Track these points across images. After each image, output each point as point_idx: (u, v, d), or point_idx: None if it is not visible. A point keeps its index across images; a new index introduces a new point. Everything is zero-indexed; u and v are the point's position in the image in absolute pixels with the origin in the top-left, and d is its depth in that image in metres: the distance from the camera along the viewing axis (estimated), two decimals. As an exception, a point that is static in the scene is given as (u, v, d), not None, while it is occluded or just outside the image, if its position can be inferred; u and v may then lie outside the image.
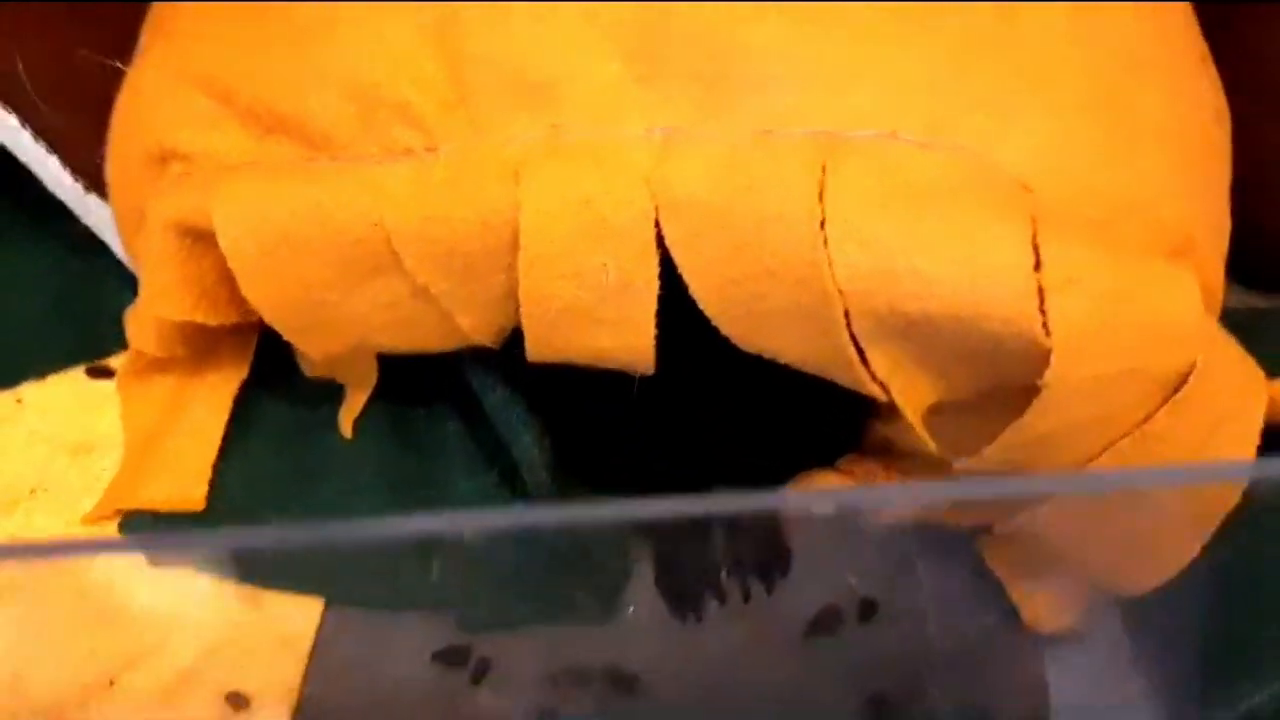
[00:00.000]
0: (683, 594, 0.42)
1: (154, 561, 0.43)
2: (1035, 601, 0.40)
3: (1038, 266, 0.30)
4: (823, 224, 0.30)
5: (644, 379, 0.37)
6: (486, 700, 0.40)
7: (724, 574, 0.42)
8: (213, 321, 0.38)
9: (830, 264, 0.30)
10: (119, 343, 0.44)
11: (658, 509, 0.32)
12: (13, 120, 0.41)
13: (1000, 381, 0.33)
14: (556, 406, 0.40)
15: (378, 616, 0.42)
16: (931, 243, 0.30)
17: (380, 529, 0.29)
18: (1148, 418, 0.32)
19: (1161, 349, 0.31)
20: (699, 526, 0.43)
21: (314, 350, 0.38)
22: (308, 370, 0.44)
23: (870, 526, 0.43)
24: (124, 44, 0.39)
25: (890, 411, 0.39)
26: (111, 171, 0.38)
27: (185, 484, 0.43)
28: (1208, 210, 0.34)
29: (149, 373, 0.43)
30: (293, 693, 0.40)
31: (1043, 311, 0.30)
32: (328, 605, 0.42)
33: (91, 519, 0.43)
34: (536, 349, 0.35)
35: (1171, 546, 0.35)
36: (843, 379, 0.34)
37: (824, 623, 0.41)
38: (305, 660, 0.41)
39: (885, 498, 0.36)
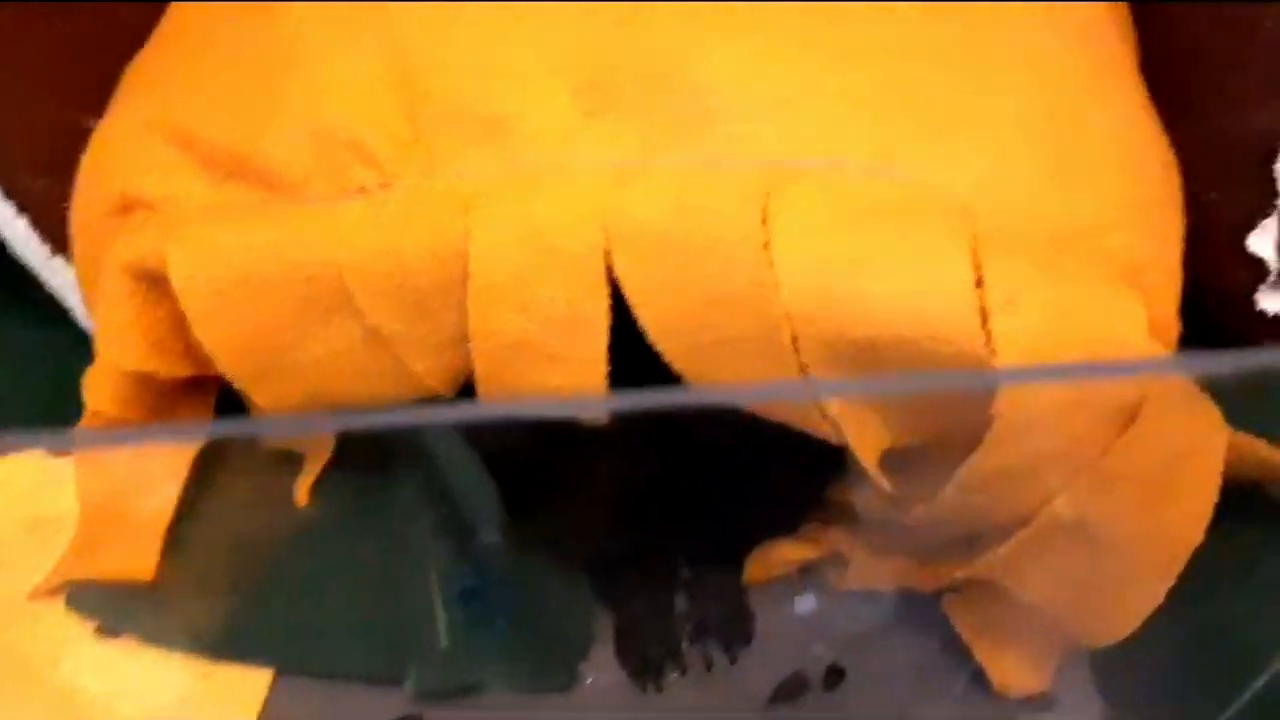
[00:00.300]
0: (643, 663, 0.41)
1: (102, 634, 0.42)
2: (1003, 664, 0.39)
3: (980, 287, 0.30)
4: (768, 247, 0.30)
5: (605, 435, 0.37)
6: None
7: (685, 642, 0.41)
8: (165, 373, 0.38)
9: (776, 286, 0.30)
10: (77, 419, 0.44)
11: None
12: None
13: (953, 421, 0.33)
14: (511, 462, 0.40)
15: (328, 687, 0.40)
16: (875, 264, 0.30)
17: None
18: (1104, 453, 0.32)
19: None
20: (660, 593, 0.42)
21: (268, 401, 0.37)
22: (266, 442, 0.44)
23: (838, 592, 0.42)
24: (99, 105, 0.39)
25: (851, 474, 0.39)
26: (75, 223, 0.39)
27: (136, 555, 0.42)
28: (1155, 247, 0.34)
29: (105, 440, 0.43)
30: (236, 764, 0.38)
31: (988, 335, 0.30)
32: (277, 675, 0.40)
33: (41, 592, 0.42)
34: (488, 391, 0.35)
35: (1135, 593, 0.34)
36: (795, 418, 0.34)
37: (789, 691, 0.40)
38: (252, 727, 0.39)
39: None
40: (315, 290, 0.34)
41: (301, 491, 0.43)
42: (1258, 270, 0.46)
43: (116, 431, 0.37)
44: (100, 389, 0.40)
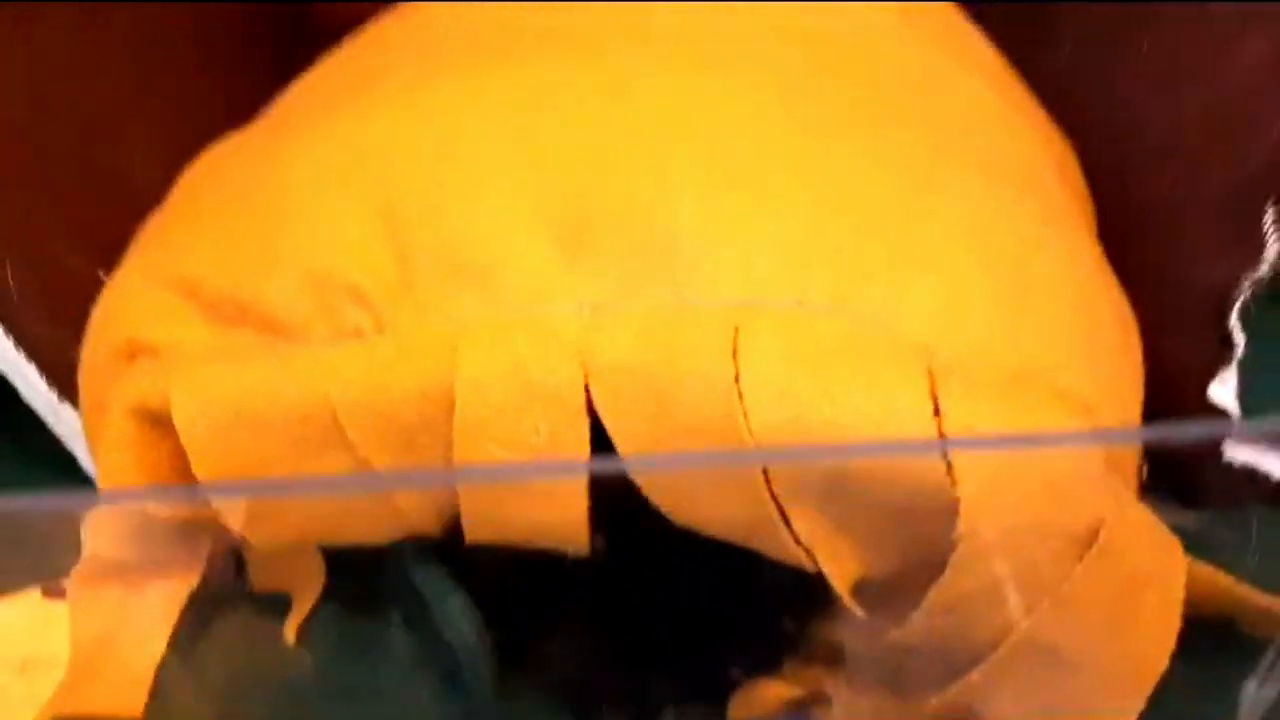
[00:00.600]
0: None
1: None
2: (986, 802, 0.39)
3: (938, 417, 0.32)
4: (737, 379, 0.32)
5: (587, 571, 0.38)
6: None
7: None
8: (164, 513, 0.39)
9: (746, 417, 0.32)
10: (73, 565, 0.45)
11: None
12: (-1, 331, 0.44)
13: (922, 549, 0.34)
14: (498, 600, 0.41)
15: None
16: (839, 396, 0.32)
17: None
18: (1065, 578, 0.33)
19: (1066, 501, 0.32)
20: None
21: (260, 539, 0.39)
22: (256, 581, 0.45)
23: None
24: (112, 256, 0.42)
25: (830, 612, 0.40)
26: (83, 369, 0.41)
27: (125, 692, 0.43)
28: (1109, 386, 0.36)
29: (99, 580, 0.44)
30: None
31: (948, 465, 0.32)
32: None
33: (36, 724, 0.43)
34: (472, 523, 0.36)
35: (1106, 718, 0.34)
36: (769, 547, 0.35)
37: (772, 832, 0.40)
38: None
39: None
40: (309, 428, 0.36)
41: (290, 630, 0.44)
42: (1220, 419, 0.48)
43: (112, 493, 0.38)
44: (99, 529, 0.41)
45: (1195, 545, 0.37)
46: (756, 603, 0.42)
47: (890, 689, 0.41)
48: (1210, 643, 0.37)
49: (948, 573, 0.33)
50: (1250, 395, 0.48)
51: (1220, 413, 0.48)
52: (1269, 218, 0.47)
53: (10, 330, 0.44)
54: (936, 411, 0.32)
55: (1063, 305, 0.36)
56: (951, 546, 0.32)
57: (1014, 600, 0.33)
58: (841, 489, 0.33)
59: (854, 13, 0.45)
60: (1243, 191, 0.46)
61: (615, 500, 0.35)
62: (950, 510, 0.32)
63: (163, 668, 0.43)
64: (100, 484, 0.40)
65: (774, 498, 0.34)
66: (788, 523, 0.34)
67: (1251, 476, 0.48)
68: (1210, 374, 0.48)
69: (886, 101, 0.41)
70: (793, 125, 0.39)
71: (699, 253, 0.35)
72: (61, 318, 0.43)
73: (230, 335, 0.38)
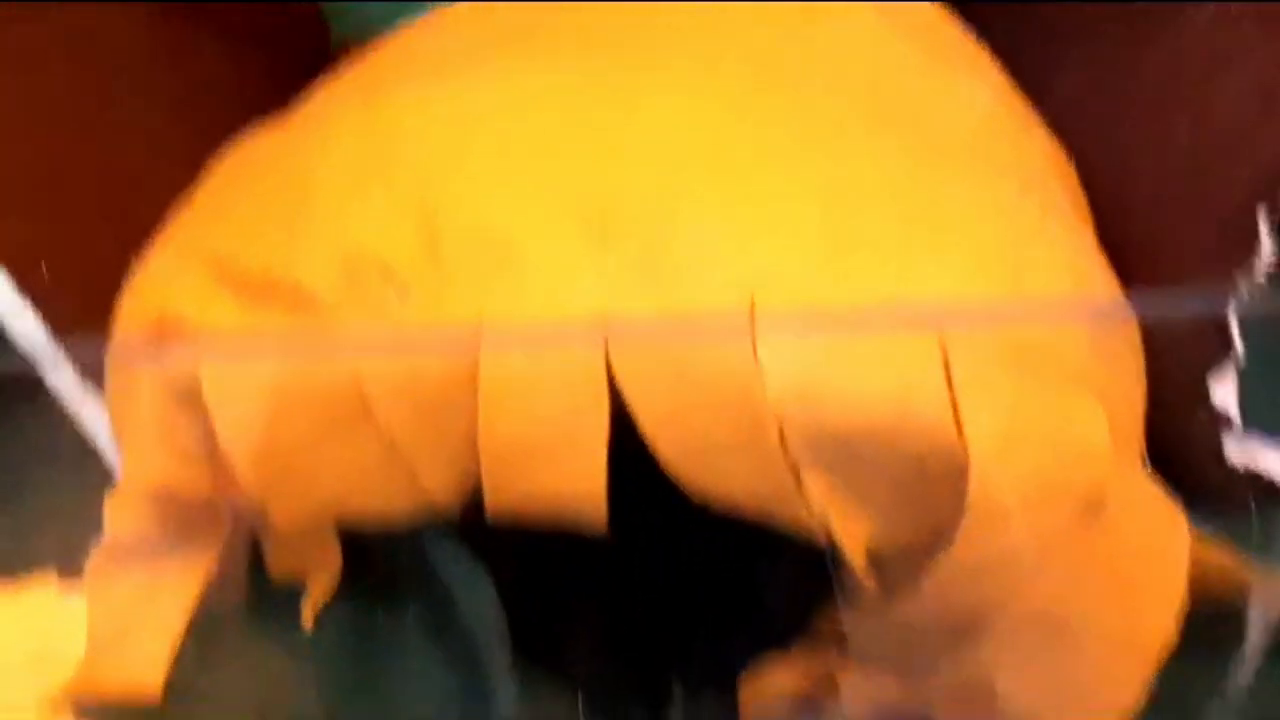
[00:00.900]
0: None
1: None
2: (995, 781, 0.40)
3: (949, 385, 0.33)
4: (754, 349, 0.33)
5: (602, 555, 0.39)
6: None
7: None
8: (188, 490, 0.40)
9: (763, 386, 0.33)
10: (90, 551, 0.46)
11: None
12: (22, 304, 0.44)
13: (932, 519, 0.35)
14: (515, 581, 0.42)
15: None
16: (853, 360, 0.33)
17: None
18: (1073, 545, 0.34)
19: (1073, 468, 0.33)
20: (657, 713, 0.43)
21: (283, 516, 0.39)
22: (273, 569, 0.46)
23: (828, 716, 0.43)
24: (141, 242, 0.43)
25: (839, 597, 0.41)
26: (111, 351, 0.42)
27: (144, 673, 0.43)
28: (1111, 362, 0.37)
29: (119, 564, 0.45)
30: None
31: (959, 427, 0.33)
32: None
33: (49, 708, 0.43)
34: (494, 497, 0.37)
35: (1113, 689, 0.35)
36: (783, 518, 0.36)
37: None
38: None
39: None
40: (336, 405, 0.37)
41: (307, 614, 0.44)
42: (1222, 423, 0.49)
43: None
44: (123, 510, 0.42)
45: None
46: (767, 588, 0.42)
47: (898, 673, 0.42)
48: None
49: (958, 540, 0.34)
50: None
51: (1221, 415, 0.49)
52: (1262, 223, 0.48)
53: (48, 322, 0.45)
54: (948, 380, 0.33)
55: (1062, 287, 0.37)
56: (960, 509, 0.33)
57: (1021, 568, 0.34)
58: (855, 454, 0.34)
59: (853, 15, 0.47)
60: (1236, 201, 0.47)
61: (632, 480, 0.36)
62: (960, 477, 0.33)
63: (180, 652, 0.44)
64: (126, 464, 0.41)
65: (789, 466, 0.34)
66: (803, 494, 0.35)
67: (1252, 479, 0.49)
68: (1210, 375, 0.49)
69: (889, 102, 0.43)
70: (801, 124, 0.41)
71: (713, 236, 0.36)
72: (92, 309, 0.44)
73: (260, 314, 0.39)
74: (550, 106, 0.41)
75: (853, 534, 0.35)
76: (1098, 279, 0.41)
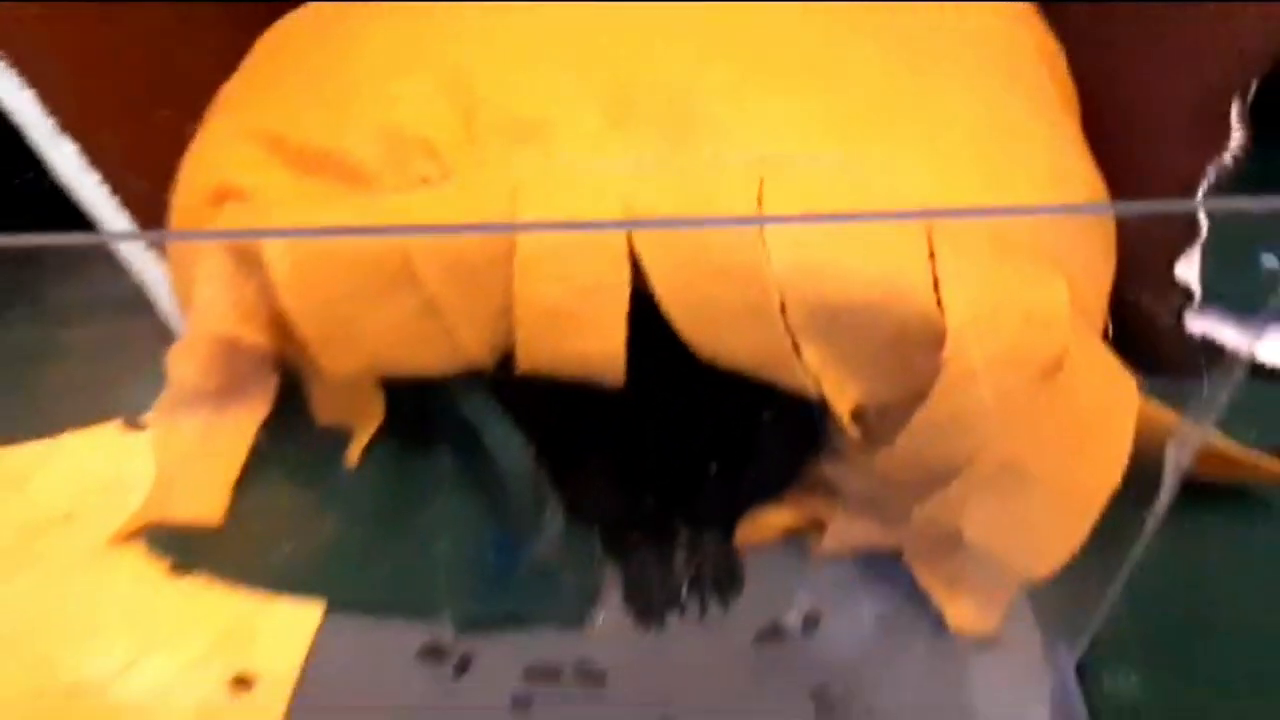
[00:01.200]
0: (647, 608, 0.47)
1: (175, 571, 0.48)
2: (958, 609, 0.45)
3: (932, 260, 0.37)
4: (761, 228, 0.38)
5: (619, 409, 0.43)
6: (467, 690, 0.44)
7: (684, 591, 0.48)
8: (248, 339, 0.44)
9: (768, 260, 0.37)
10: (151, 401, 0.51)
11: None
12: (95, 178, 0.48)
13: (911, 380, 0.40)
14: (541, 430, 0.46)
15: (370, 619, 0.46)
16: (849, 240, 0.37)
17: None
18: (1032, 402, 0.38)
19: (1036, 335, 0.38)
20: (663, 550, 0.48)
21: (334, 367, 0.44)
22: (320, 416, 0.51)
23: (815, 554, 0.48)
24: (194, 117, 0.47)
25: (828, 451, 0.46)
26: (175, 211, 0.46)
27: (207, 501, 0.49)
28: (1083, 249, 0.42)
29: (182, 407, 0.50)
30: (293, 677, 0.44)
31: (939, 298, 0.37)
32: (328, 608, 0.47)
33: (122, 535, 0.48)
34: (526, 354, 0.41)
35: (1064, 530, 0.40)
36: (783, 377, 0.40)
37: (772, 631, 0.46)
38: (305, 652, 0.45)
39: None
40: (382, 266, 0.41)
41: (353, 455, 0.49)
42: (1185, 296, 0.54)
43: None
44: (186, 358, 0.47)
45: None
46: (764, 441, 0.47)
47: (878, 516, 0.47)
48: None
49: (933, 395, 0.38)
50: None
51: (1184, 289, 0.53)
52: (1234, 112, 0.52)
53: (109, 185, 0.49)
54: (931, 255, 0.37)
55: (1040, 176, 0.41)
56: (937, 373, 0.38)
57: (987, 423, 0.39)
58: (847, 323, 0.38)
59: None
60: (1211, 89, 0.51)
61: (648, 342, 0.40)
62: (937, 344, 0.38)
63: (239, 484, 0.49)
64: (193, 316, 0.45)
65: (788, 333, 0.39)
66: (800, 357, 0.40)
67: (1209, 347, 0.54)
68: (1176, 253, 0.53)
69: (891, 4, 0.46)
70: (810, 27, 0.44)
71: (727, 122, 0.40)
72: (149, 171, 0.48)
73: (309, 183, 0.43)
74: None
75: (842, 394, 0.40)
76: (1075, 168, 0.45)
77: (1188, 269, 0.54)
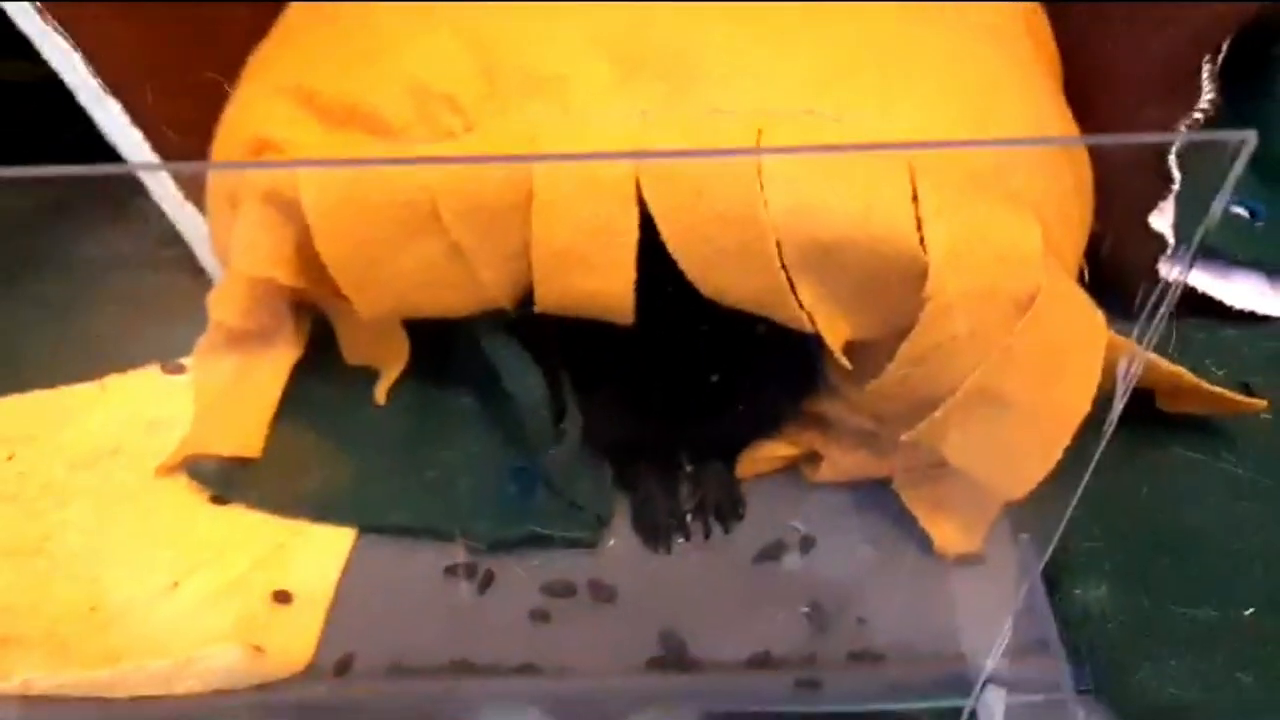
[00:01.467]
0: (654, 531, 0.51)
1: (216, 501, 0.52)
2: (943, 531, 0.49)
3: (915, 201, 0.41)
4: (759, 173, 0.41)
5: (629, 345, 0.47)
6: (490, 604, 0.48)
7: (689, 517, 0.51)
8: (286, 280, 0.48)
9: (765, 204, 0.41)
10: (189, 346, 0.55)
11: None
12: (137, 136, 0.52)
13: (898, 318, 0.43)
14: (556, 366, 0.50)
15: (400, 541, 0.50)
16: (838, 184, 0.41)
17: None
18: (1008, 334, 0.42)
19: (1011, 271, 0.41)
20: (668, 479, 0.52)
21: (365, 307, 0.47)
22: (349, 357, 0.55)
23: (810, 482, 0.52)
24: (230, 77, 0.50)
25: (823, 388, 0.50)
26: (215, 166, 0.49)
27: (246, 435, 0.52)
28: (1058, 197, 0.45)
29: (221, 349, 0.53)
30: (329, 593, 0.48)
31: (921, 237, 0.41)
32: (360, 532, 0.50)
33: (166, 467, 0.52)
34: (542, 293, 0.45)
35: (1038, 453, 0.44)
36: (780, 313, 0.44)
37: (771, 553, 0.50)
38: (340, 571, 0.49)
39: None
40: (410, 211, 0.44)
41: (380, 392, 0.53)
42: (1159, 244, 0.57)
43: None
44: (226, 301, 0.51)
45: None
46: (762, 377, 0.51)
47: (869, 448, 0.51)
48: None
49: (917, 328, 0.42)
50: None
51: (1158, 237, 0.56)
52: (1205, 71, 0.55)
53: (150, 140, 0.52)
54: (915, 197, 0.41)
55: (1020, 128, 0.45)
56: (920, 308, 0.41)
57: (967, 354, 0.42)
58: (838, 262, 0.42)
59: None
60: (1182, 49, 0.54)
61: (656, 281, 0.44)
62: (920, 281, 0.41)
63: (274, 420, 0.53)
64: (232, 261, 0.49)
65: (784, 269, 0.42)
66: (795, 294, 0.43)
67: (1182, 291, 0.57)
68: (1150, 204, 0.56)
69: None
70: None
71: (727, 75, 0.43)
72: (187, 127, 0.52)
73: (341, 136, 0.46)
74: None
75: (834, 328, 0.44)
76: (1054, 121, 0.48)
77: (1161, 220, 0.57)
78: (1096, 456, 0.38)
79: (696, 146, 0.42)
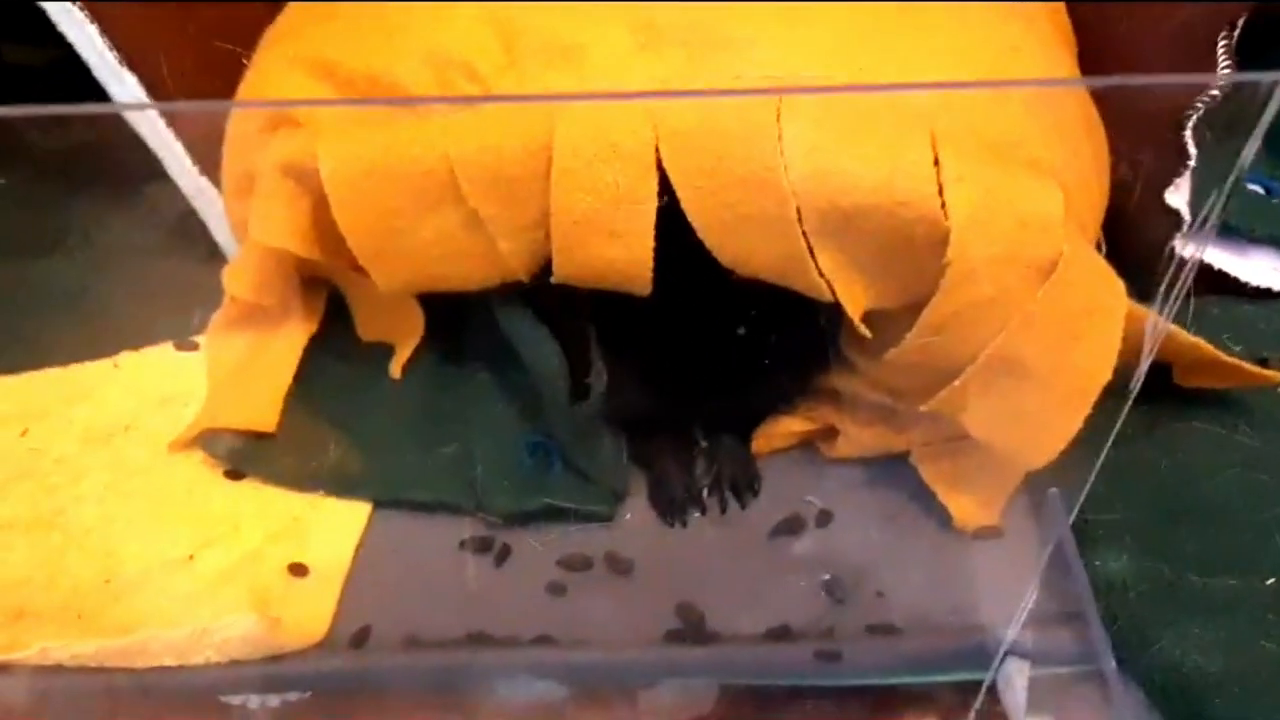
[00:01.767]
0: (670, 505, 0.50)
1: (230, 476, 0.51)
2: (961, 505, 0.49)
3: (936, 167, 0.41)
4: (780, 139, 0.41)
5: (647, 317, 0.47)
6: (507, 577, 0.48)
7: (705, 492, 0.51)
8: (303, 253, 0.48)
9: (785, 169, 0.41)
10: (203, 324, 0.54)
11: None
12: (151, 112, 0.52)
13: (918, 286, 0.43)
14: (573, 338, 0.49)
15: (416, 515, 0.50)
16: (859, 150, 0.41)
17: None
18: (1029, 301, 0.42)
19: (1032, 236, 0.41)
20: (684, 455, 0.52)
21: (383, 278, 0.47)
22: (363, 332, 0.54)
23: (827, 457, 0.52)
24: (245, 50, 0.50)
25: (839, 363, 0.50)
26: (230, 138, 0.49)
27: (261, 410, 0.52)
28: (1076, 164, 0.45)
29: (236, 324, 0.53)
30: (345, 566, 0.48)
31: (942, 202, 0.41)
32: (375, 506, 0.50)
33: (181, 441, 0.52)
34: (561, 262, 0.45)
35: (1058, 421, 0.44)
36: (799, 282, 0.44)
37: (787, 528, 0.50)
38: (356, 545, 0.49)
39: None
40: (429, 181, 0.44)
41: (396, 367, 0.53)
42: (1175, 221, 0.57)
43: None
44: (241, 275, 0.50)
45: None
46: (777, 350, 0.50)
47: (886, 422, 0.51)
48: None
49: (938, 294, 0.42)
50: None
51: (1174, 214, 0.56)
52: (1221, 47, 0.55)
53: (163, 113, 0.52)
54: (936, 163, 0.40)
55: (1035, 98, 0.45)
56: (941, 275, 0.41)
57: (988, 321, 0.42)
58: (858, 228, 0.42)
59: None
60: (1198, 23, 0.54)
61: (674, 250, 0.44)
62: (941, 247, 0.41)
63: (289, 395, 0.53)
64: (249, 233, 0.49)
65: (805, 236, 0.42)
66: (815, 261, 0.43)
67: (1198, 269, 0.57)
68: (1167, 181, 0.56)
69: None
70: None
71: (745, 43, 0.43)
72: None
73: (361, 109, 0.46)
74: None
75: (854, 296, 0.43)
76: (1068, 90, 0.48)
77: (1177, 197, 0.57)
78: (1119, 425, 0.38)
79: (716, 113, 0.42)
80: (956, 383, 0.44)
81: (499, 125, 0.44)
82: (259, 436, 0.52)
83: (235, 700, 0.45)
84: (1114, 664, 0.43)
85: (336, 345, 0.54)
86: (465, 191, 0.44)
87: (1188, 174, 0.57)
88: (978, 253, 0.41)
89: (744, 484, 0.51)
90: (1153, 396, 0.47)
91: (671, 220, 0.43)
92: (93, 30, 0.51)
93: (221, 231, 0.55)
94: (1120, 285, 0.44)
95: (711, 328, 0.49)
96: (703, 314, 0.48)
